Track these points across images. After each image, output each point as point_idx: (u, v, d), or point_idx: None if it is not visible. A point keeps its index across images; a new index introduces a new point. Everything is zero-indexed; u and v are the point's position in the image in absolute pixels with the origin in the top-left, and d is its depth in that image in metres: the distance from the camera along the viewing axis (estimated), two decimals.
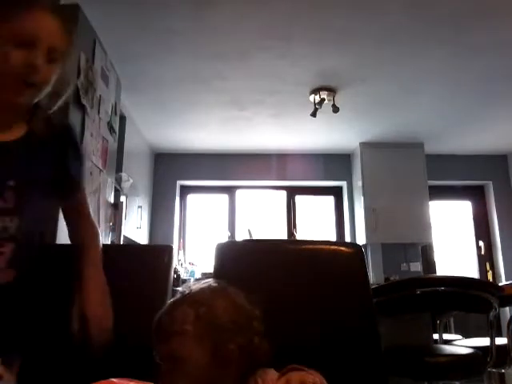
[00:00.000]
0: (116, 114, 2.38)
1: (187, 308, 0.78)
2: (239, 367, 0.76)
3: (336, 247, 1.20)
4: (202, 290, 0.82)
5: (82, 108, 1.90)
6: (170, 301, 0.84)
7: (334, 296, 1.08)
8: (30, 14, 0.90)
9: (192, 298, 0.80)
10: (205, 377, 0.74)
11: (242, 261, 1.13)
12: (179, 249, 4.51)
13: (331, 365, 0.84)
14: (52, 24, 0.93)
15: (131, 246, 3.03)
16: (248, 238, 3.95)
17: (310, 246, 1.21)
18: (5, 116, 0.96)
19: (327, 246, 1.21)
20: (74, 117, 1.83)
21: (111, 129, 2.27)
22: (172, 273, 1.13)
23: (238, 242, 1.50)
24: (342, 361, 1.00)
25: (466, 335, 2.84)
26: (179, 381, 0.73)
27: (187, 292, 0.82)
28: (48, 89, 0.95)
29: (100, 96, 2.10)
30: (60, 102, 1.03)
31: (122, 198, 3.15)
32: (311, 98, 3.53)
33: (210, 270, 1.12)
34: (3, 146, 0.94)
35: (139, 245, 3.74)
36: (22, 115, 0.99)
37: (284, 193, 4.98)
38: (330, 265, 1.13)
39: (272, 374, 0.76)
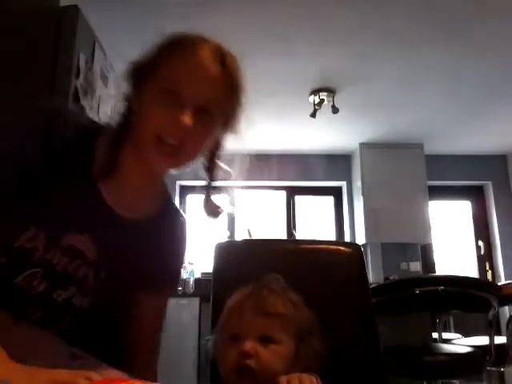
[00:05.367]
0: None
1: (283, 298, 0.84)
2: (306, 363, 0.80)
3: (335, 247, 1.21)
4: (286, 287, 0.89)
5: (82, 109, 1.90)
6: (262, 284, 0.88)
7: (333, 295, 1.08)
8: (178, 59, 0.72)
9: (285, 293, 0.86)
10: (288, 365, 0.78)
11: (241, 260, 1.13)
12: None
13: (330, 364, 0.84)
14: (205, 75, 0.72)
15: None
16: (247, 237, 3.95)
17: (310, 246, 1.22)
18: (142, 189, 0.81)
19: (326, 246, 1.21)
20: None
21: None
22: None
23: (238, 242, 1.50)
24: (340, 360, 1.00)
25: (466, 334, 2.84)
26: (270, 357, 0.77)
27: (276, 282, 0.88)
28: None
29: (99, 97, 2.11)
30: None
31: None
32: (310, 98, 3.53)
33: (209, 269, 1.12)
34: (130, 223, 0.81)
35: None
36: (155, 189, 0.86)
37: (283, 193, 4.98)
38: (330, 264, 1.14)
39: None
